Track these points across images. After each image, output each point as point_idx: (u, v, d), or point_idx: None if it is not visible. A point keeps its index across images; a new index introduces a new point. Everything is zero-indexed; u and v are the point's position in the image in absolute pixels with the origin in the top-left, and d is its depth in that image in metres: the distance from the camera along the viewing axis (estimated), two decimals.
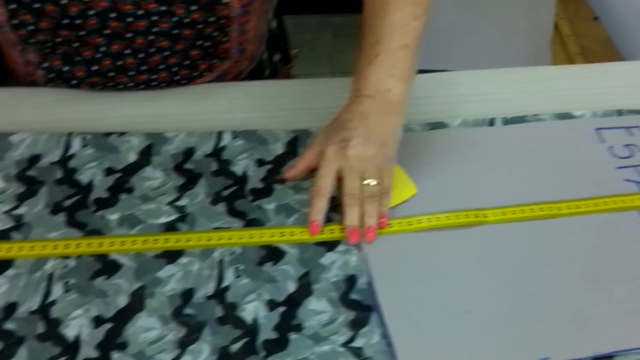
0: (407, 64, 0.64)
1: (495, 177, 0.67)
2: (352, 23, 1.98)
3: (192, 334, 0.55)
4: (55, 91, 0.71)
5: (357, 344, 0.55)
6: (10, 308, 0.55)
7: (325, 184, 0.62)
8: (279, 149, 0.69)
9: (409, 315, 0.57)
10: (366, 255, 0.61)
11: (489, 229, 0.63)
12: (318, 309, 0.57)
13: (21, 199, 0.62)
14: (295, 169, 0.65)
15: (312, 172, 0.65)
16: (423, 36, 0.65)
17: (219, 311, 0.57)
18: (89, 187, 0.64)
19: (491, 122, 0.72)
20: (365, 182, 0.61)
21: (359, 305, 0.58)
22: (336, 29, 2.01)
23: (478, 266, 0.60)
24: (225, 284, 0.58)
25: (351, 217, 0.62)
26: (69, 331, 0.54)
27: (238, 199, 0.64)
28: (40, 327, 0.54)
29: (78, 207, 0.62)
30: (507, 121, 0.72)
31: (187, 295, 0.57)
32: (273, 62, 0.87)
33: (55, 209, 0.62)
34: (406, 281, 0.59)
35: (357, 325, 0.56)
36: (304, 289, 0.58)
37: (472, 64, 0.84)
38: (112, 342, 0.54)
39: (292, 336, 0.55)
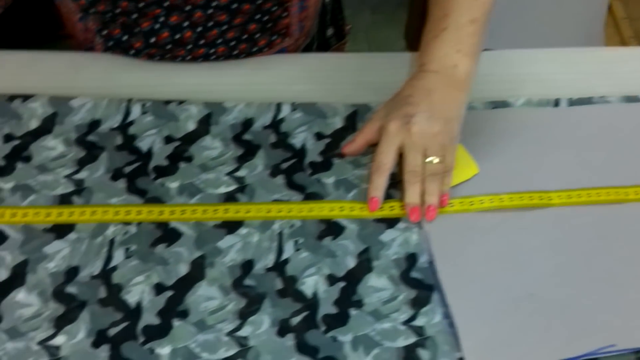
0: (475, 39, 0.62)
1: (560, 159, 0.65)
2: (391, 0, 1.95)
3: (252, 305, 0.55)
4: (114, 57, 0.71)
5: (418, 322, 0.54)
6: (73, 272, 0.56)
7: (386, 160, 0.61)
8: (337, 123, 0.67)
9: (471, 297, 0.56)
10: (427, 234, 0.60)
11: (553, 211, 0.61)
12: (378, 286, 0.56)
13: (81, 163, 0.62)
14: (354, 143, 0.64)
15: (371, 148, 0.64)
16: (492, 11, 0.63)
17: (278, 284, 0.56)
18: (148, 154, 0.63)
19: (556, 103, 0.70)
20: (428, 159, 0.60)
21: (420, 284, 0.57)
22: (374, 5, 1.98)
23: (542, 249, 0.59)
24: (284, 256, 0.58)
25: (412, 194, 0.61)
26: (130, 297, 0.54)
27: (297, 172, 0.64)
28: (102, 292, 0.55)
29: (138, 174, 0.62)
30: (573, 102, 0.70)
31: (247, 266, 0.57)
32: (325, 37, 0.86)
33: (116, 174, 0.62)
34: (468, 262, 0.58)
35: (418, 304, 0.56)
36: (364, 265, 0.58)
37: (522, 45, 0.82)
38: (173, 309, 0.54)
39: (353, 312, 0.55)
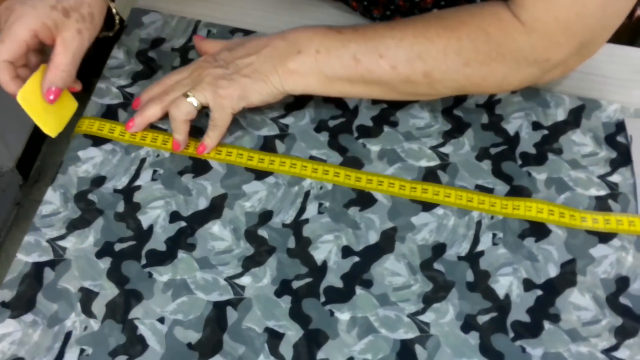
0: (342, 70, 0.55)
1: None
2: None
3: (438, 291, 0.52)
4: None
5: (620, 354, 0.49)
6: (267, 215, 0.55)
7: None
8: (560, 115, 0.61)
9: None
10: None
11: None
12: (581, 304, 0.51)
13: (288, 109, 0.61)
14: None
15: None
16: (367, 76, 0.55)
17: (469, 275, 0.53)
18: (355, 111, 0.61)
19: None
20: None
21: (628, 312, 0.51)
22: None
23: None
24: (480, 248, 0.54)
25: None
26: (317, 254, 0.53)
27: (506, 159, 0.59)
28: (291, 242, 0.54)
29: (341, 130, 0.60)
30: None
31: (438, 249, 0.54)
32: None
33: (319, 126, 0.60)
34: None
35: (622, 333, 0.50)
36: (567, 277, 0.52)
37: None
38: (360, 277, 0.52)
39: (547, 325, 0.50)
